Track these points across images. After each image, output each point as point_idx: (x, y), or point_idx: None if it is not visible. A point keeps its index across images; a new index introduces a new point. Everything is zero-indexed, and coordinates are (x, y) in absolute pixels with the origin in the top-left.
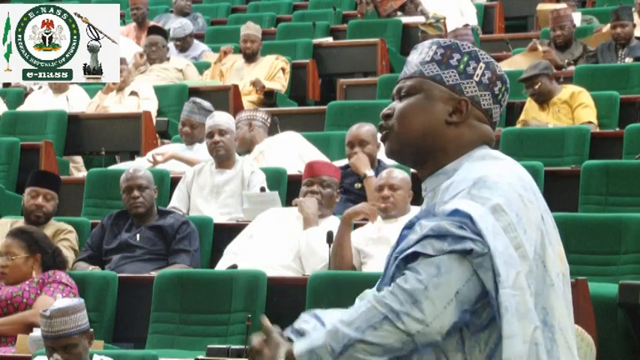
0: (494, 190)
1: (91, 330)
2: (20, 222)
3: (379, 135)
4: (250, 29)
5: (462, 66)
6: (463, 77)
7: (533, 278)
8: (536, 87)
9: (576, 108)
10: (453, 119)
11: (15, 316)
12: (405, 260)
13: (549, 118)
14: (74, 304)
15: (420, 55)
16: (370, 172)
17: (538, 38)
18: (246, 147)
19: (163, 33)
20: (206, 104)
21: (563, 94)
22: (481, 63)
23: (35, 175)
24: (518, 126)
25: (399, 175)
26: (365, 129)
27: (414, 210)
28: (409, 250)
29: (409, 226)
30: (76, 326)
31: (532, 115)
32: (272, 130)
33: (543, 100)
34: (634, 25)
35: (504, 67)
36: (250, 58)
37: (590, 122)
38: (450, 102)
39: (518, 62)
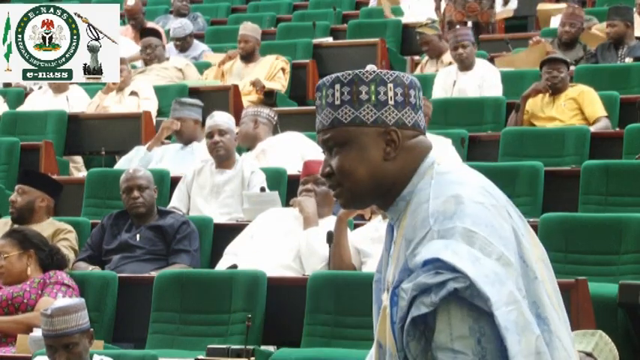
0: (454, 215)
1: (92, 330)
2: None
3: None
4: (246, 29)
5: (373, 97)
6: (379, 108)
7: (521, 278)
8: (562, 74)
9: (587, 106)
10: (390, 155)
11: (19, 316)
12: (411, 324)
13: (554, 111)
14: (75, 303)
15: (327, 98)
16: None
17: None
18: (250, 143)
19: (157, 34)
20: (188, 100)
21: (572, 92)
22: (389, 84)
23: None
24: (512, 116)
25: None
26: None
27: None
28: (409, 318)
29: (396, 286)
30: (76, 325)
31: (537, 112)
32: (273, 130)
33: (556, 91)
34: (627, 25)
35: (504, 66)
36: (246, 58)
37: (605, 117)
38: (380, 138)
39: (521, 59)
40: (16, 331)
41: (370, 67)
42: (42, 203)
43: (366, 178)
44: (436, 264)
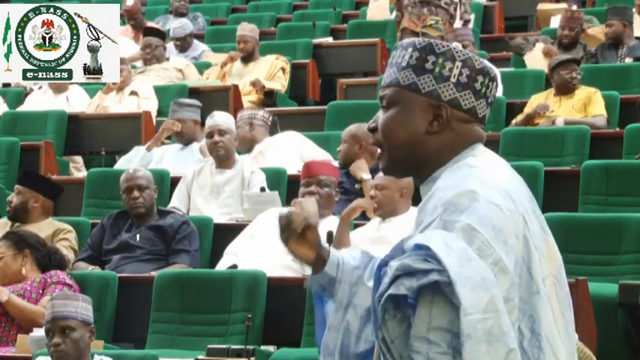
0: (465, 211)
1: (93, 326)
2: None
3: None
4: (244, 30)
5: (437, 69)
6: (439, 81)
7: (517, 289)
8: (578, 76)
9: (590, 105)
10: (434, 129)
11: (32, 305)
12: (391, 301)
13: (561, 110)
14: (78, 294)
15: (397, 58)
16: (367, 176)
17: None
18: (247, 146)
19: (159, 34)
20: (186, 100)
21: (580, 93)
22: (457, 62)
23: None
24: (520, 117)
25: None
26: (360, 127)
27: (414, 210)
28: (386, 295)
29: (383, 265)
30: (75, 312)
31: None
32: (272, 130)
33: (567, 90)
34: (625, 25)
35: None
36: (246, 58)
37: (601, 115)
38: (429, 110)
39: (536, 58)
40: (20, 319)
41: (456, 45)
42: (35, 204)
43: (404, 143)
44: (426, 251)
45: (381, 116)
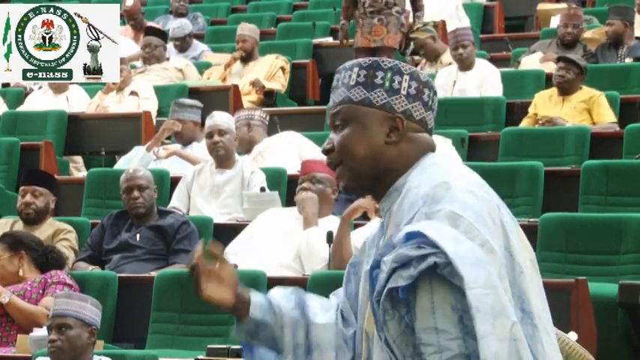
0: (443, 199)
1: (94, 328)
2: (20, 222)
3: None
4: (244, 30)
5: (387, 83)
6: (391, 94)
7: (505, 269)
8: (569, 76)
9: (596, 111)
10: (391, 139)
11: (32, 306)
12: (388, 300)
13: (563, 113)
14: (87, 296)
15: (344, 79)
16: None
17: (538, 38)
18: (246, 147)
19: (159, 33)
20: (187, 101)
21: (581, 94)
22: (405, 75)
23: (24, 174)
24: (525, 123)
25: None
26: None
27: None
28: (385, 290)
29: (375, 266)
30: (75, 311)
31: (545, 111)
32: (272, 130)
33: (565, 92)
34: (625, 25)
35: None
36: (246, 58)
37: (614, 122)
38: (385, 122)
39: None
40: (21, 320)
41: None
42: (52, 205)
43: (365, 157)
44: (418, 239)
45: (335, 137)
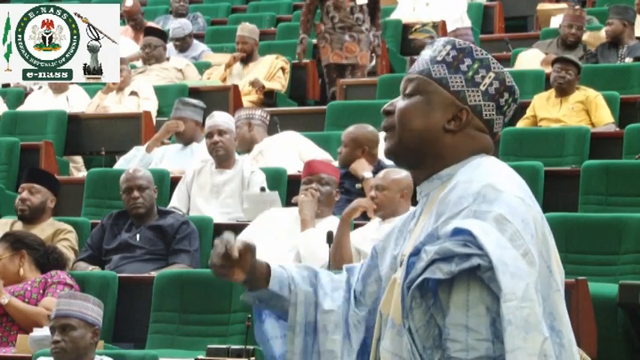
0: (495, 201)
1: (97, 328)
2: (20, 223)
3: (382, 134)
4: (243, 30)
5: (470, 73)
6: (469, 85)
7: (540, 284)
8: (569, 76)
9: (595, 111)
10: (450, 127)
11: (32, 307)
12: (419, 288)
13: (561, 114)
14: (89, 296)
15: (432, 52)
16: (368, 174)
17: (538, 38)
18: (246, 146)
19: (159, 34)
20: (191, 100)
21: (578, 95)
22: (491, 72)
23: (25, 172)
24: (522, 124)
25: (390, 175)
26: (362, 131)
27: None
28: (419, 279)
29: (415, 253)
30: (79, 311)
31: (543, 113)
32: (272, 130)
33: (563, 93)
34: (624, 25)
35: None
36: (246, 58)
37: (611, 122)
38: (451, 108)
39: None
40: (21, 320)
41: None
42: (51, 204)
43: (417, 132)
44: (466, 236)
45: (400, 102)
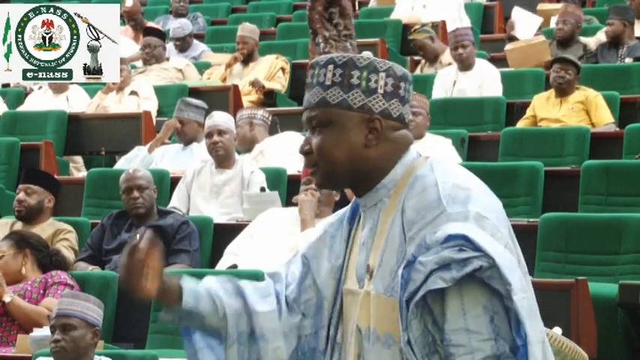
0: (466, 201)
1: (98, 329)
2: (20, 223)
3: None
4: (244, 31)
5: (363, 83)
6: (368, 95)
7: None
8: (569, 76)
9: (596, 111)
10: (371, 142)
11: (34, 306)
12: (422, 301)
13: (561, 114)
14: (90, 296)
15: (319, 77)
16: None
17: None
18: (247, 146)
19: (159, 34)
20: (193, 101)
21: (578, 95)
22: (381, 72)
23: (23, 173)
24: (522, 124)
25: None
26: None
27: None
28: (421, 292)
29: (407, 265)
30: (80, 311)
31: (543, 113)
32: (272, 130)
33: (563, 93)
34: (624, 25)
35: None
36: (245, 59)
37: (613, 123)
38: (363, 125)
39: (522, 50)
40: (21, 319)
41: (366, 54)
42: (49, 204)
43: (343, 161)
44: (459, 241)
45: (312, 138)
